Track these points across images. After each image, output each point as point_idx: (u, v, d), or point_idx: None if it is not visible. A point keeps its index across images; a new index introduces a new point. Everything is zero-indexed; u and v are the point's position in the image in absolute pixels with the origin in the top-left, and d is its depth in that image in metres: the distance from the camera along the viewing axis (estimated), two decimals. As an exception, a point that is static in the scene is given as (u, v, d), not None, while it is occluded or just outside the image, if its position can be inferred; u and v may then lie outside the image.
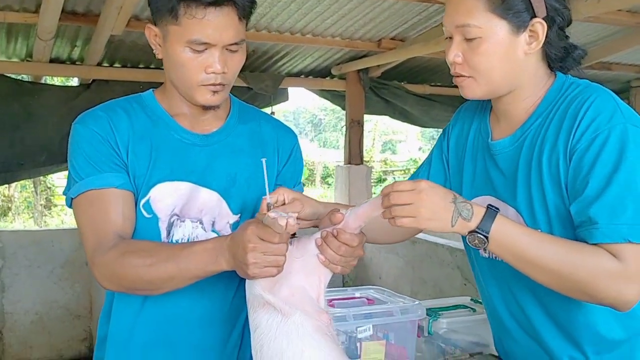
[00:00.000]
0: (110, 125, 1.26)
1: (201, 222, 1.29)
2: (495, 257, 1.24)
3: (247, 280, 1.11)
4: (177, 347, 1.29)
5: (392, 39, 4.64)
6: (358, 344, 1.48)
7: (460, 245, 4.20)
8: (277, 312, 1.06)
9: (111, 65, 4.47)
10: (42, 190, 11.51)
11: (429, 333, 1.67)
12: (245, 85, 4.83)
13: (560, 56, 1.18)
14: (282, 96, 5.26)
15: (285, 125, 1.47)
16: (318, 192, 14.46)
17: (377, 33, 4.54)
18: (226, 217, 1.31)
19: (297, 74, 5.29)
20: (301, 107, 22.87)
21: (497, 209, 1.06)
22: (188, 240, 1.28)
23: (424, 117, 5.76)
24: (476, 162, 1.30)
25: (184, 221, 1.28)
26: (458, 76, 1.18)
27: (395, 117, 5.85)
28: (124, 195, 1.23)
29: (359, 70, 5.20)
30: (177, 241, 1.27)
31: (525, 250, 1.05)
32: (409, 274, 4.43)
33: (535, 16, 1.12)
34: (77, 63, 4.38)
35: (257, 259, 1.03)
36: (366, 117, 5.52)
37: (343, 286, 4.03)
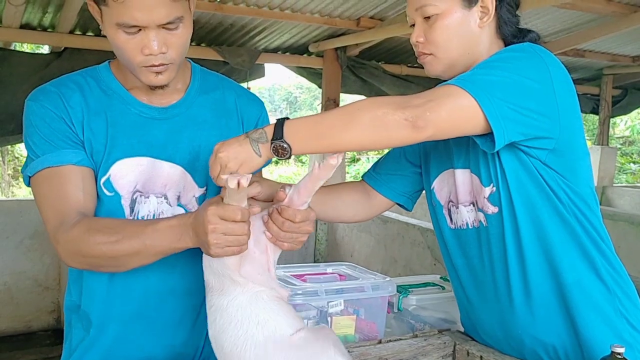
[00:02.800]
0: (63, 101, 1.22)
1: (166, 197, 1.27)
2: (461, 227, 1.30)
3: (204, 256, 1.12)
4: (152, 319, 1.29)
5: (371, 17, 4.62)
6: (329, 319, 1.51)
7: (431, 225, 4.25)
8: (234, 285, 1.08)
9: (84, 34, 4.37)
10: (9, 160, 11.27)
11: (398, 309, 1.70)
12: (221, 59, 4.78)
13: (513, 33, 1.27)
14: (258, 72, 5.21)
15: (251, 93, 1.44)
16: (292, 170, 14.45)
17: (356, 11, 4.51)
18: (192, 191, 1.30)
19: (274, 50, 5.24)
20: (277, 84, 22.66)
21: (287, 117, 1.10)
22: (154, 216, 1.26)
23: (400, 97, 5.77)
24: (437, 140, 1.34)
25: (148, 197, 1.26)
26: (421, 55, 1.28)
27: (372, 96, 5.85)
28: (83, 172, 1.21)
29: (336, 49, 5.18)
30: (142, 217, 1.26)
31: (319, 124, 1.08)
32: (381, 252, 4.48)
33: None
34: (48, 30, 4.27)
35: (218, 239, 1.03)
36: (342, 96, 5.51)
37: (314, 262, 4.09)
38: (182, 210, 1.28)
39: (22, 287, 4.35)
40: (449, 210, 1.34)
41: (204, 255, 1.11)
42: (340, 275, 1.69)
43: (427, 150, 1.42)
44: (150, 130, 1.26)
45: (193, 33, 1.23)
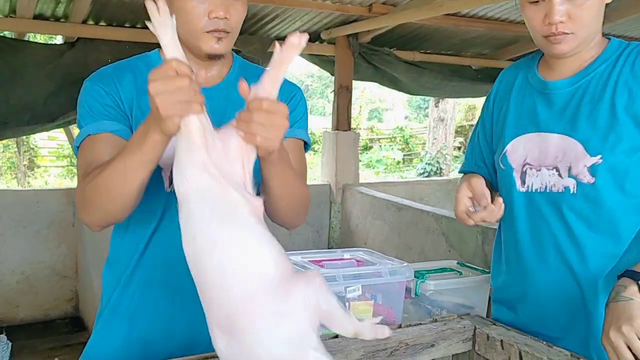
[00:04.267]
0: (115, 81, 1.28)
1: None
2: (536, 190, 1.36)
3: (176, 164, 0.99)
4: (174, 289, 1.31)
5: (383, 3, 4.59)
6: (347, 304, 1.51)
7: (445, 212, 4.25)
8: (210, 194, 0.94)
9: (96, 24, 4.38)
10: (25, 151, 11.37)
11: (416, 294, 1.70)
12: (233, 48, 4.76)
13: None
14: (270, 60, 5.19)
15: (289, 82, 1.46)
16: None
17: (368, -3, 4.49)
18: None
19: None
20: (288, 72, 22.61)
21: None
22: None
23: (412, 84, 5.74)
24: (523, 104, 1.42)
25: None
26: (559, 34, 1.27)
27: (384, 83, 5.82)
28: (116, 140, 1.22)
29: (348, 36, 5.15)
30: None
31: None
32: (395, 240, 4.48)
33: None
34: (61, 20, 4.28)
35: (162, 100, 0.95)
36: (353, 84, 5.49)
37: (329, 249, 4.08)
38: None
39: (40, 276, 4.41)
40: (523, 173, 1.38)
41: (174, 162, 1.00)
42: (357, 260, 1.69)
43: (500, 114, 1.47)
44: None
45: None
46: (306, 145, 1.46)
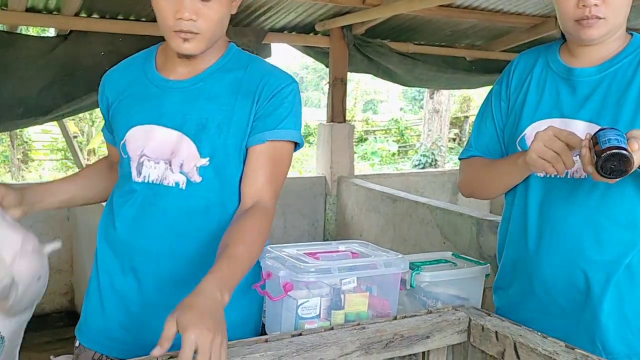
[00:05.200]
0: (105, 83, 1.47)
1: (170, 164, 1.35)
2: (556, 175, 1.33)
3: None
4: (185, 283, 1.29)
5: (377, -5, 4.58)
6: (342, 296, 1.51)
7: (440, 203, 4.25)
8: None
9: (89, 16, 4.34)
10: (19, 144, 11.31)
11: (411, 286, 1.70)
12: (227, 40, 4.74)
13: None
14: (264, 52, 5.17)
15: (281, 72, 1.44)
16: (300, 150, 14.41)
17: (362, -11, 4.47)
18: (194, 160, 1.35)
19: (281, 30, 5.20)
20: (283, 65, 22.57)
21: None
22: (159, 180, 1.37)
23: (407, 75, 5.73)
24: (544, 89, 1.42)
25: (152, 162, 1.37)
26: (592, 18, 1.27)
27: (379, 75, 5.81)
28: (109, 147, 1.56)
29: (342, 27, 5.13)
30: (149, 181, 1.37)
31: None
32: (390, 231, 4.48)
33: None
34: (53, 13, 4.25)
35: None
36: (348, 76, 5.48)
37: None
38: (184, 178, 1.35)
39: (35, 270, 4.40)
40: None
41: None
42: (352, 252, 1.69)
43: (518, 99, 1.46)
44: (164, 100, 1.36)
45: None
46: (297, 145, 1.43)
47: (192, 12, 1.23)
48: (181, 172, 1.35)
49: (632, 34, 1.38)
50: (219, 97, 1.35)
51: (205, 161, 1.34)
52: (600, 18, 1.27)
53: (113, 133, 1.48)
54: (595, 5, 1.26)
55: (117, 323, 1.40)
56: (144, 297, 1.37)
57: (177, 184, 1.35)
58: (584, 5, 1.26)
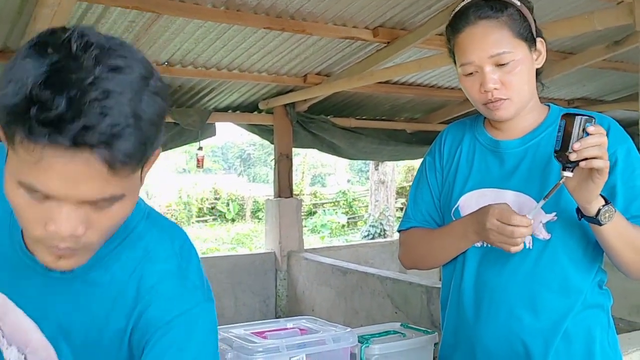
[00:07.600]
0: None
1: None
2: (491, 245, 1.33)
3: None
4: None
5: (317, 74, 4.76)
6: (292, 375, 1.49)
7: (390, 273, 4.28)
8: None
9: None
10: None
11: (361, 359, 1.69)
12: (171, 120, 4.79)
13: (540, 71, 1.40)
14: (209, 131, 5.24)
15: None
16: (249, 227, 14.34)
17: (302, 69, 4.64)
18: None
19: (225, 109, 5.30)
20: (230, 142, 22.75)
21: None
22: None
23: (350, 149, 5.89)
24: (473, 161, 1.46)
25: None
26: (496, 101, 1.32)
27: (323, 149, 5.95)
28: None
29: (285, 105, 5.28)
30: None
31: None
32: (342, 305, 4.46)
33: (538, 36, 1.34)
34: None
35: None
36: (295, 150, 5.59)
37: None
38: None
39: None
40: None
41: None
42: (301, 329, 1.68)
43: (451, 171, 1.49)
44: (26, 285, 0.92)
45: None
46: None
47: (77, 224, 0.76)
48: None
49: (548, 106, 1.45)
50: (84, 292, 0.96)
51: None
52: (505, 99, 1.32)
53: None
54: (495, 89, 1.31)
55: None
56: None
57: None
58: (485, 91, 1.32)
